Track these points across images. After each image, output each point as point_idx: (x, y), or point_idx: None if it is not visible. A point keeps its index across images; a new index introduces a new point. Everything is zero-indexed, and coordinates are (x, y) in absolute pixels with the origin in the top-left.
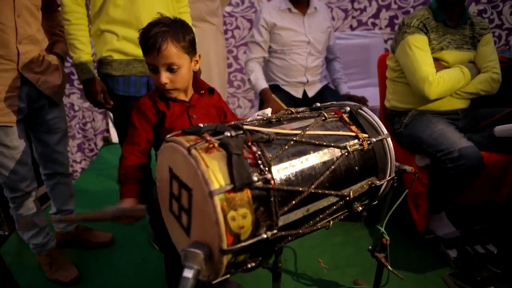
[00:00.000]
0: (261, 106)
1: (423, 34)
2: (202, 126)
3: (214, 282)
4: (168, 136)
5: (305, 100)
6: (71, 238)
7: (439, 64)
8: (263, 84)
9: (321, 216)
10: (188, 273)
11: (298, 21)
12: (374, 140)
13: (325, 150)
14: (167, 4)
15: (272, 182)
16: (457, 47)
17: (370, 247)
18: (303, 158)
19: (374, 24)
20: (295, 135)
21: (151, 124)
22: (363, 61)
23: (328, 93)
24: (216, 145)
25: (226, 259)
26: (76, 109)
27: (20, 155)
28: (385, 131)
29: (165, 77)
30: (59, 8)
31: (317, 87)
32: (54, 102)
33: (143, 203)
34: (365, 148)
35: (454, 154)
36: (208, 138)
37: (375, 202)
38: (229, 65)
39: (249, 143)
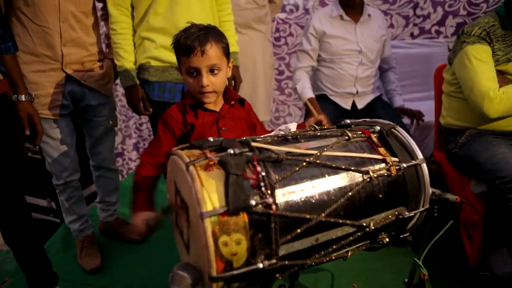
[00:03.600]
0: (307, 116)
1: (486, 44)
2: (209, 140)
3: None
4: (174, 148)
5: (354, 112)
6: (110, 228)
7: (504, 78)
8: (309, 94)
9: (334, 246)
10: None
11: (349, 29)
12: (405, 165)
13: (343, 175)
14: (207, 12)
15: (274, 207)
16: None
17: (406, 280)
18: (315, 182)
19: (438, 32)
20: (309, 155)
21: (176, 138)
22: (423, 71)
23: (379, 105)
24: (216, 162)
25: (216, 286)
26: None
27: (64, 147)
28: (421, 156)
29: (207, 79)
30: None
31: (368, 98)
32: (101, 99)
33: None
34: (393, 174)
35: None
36: (208, 154)
37: (407, 234)
38: (281, 72)
39: (254, 162)
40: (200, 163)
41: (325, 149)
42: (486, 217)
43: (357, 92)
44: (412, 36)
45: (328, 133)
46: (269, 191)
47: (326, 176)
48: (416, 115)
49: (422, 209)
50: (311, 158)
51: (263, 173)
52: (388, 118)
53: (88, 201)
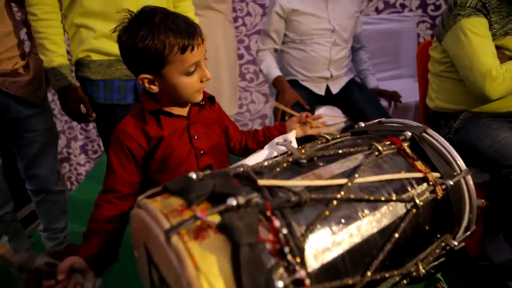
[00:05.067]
0: (277, 97)
1: (483, 16)
2: (191, 179)
3: None
4: (140, 198)
5: (328, 97)
6: (61, 259)
7: (502, 53)
8: (276, 72)
9: None
10: None
11: (320, 4)
12: (451, 182)
13: (384, 209)
14: None
15: (308, 282)
16: None
17: None
18: (352, 228)
19: (403, 6)
20: (339, 187)
21: (136, 161)
22: (392, 49)
23: (355, 89)
24: (214, 226)
25: None
26: None
27: None
28: (463, 165)
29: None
30: None
31: (342, 82)
32: (32, 109)
33: None
34: (439, 196)
35: None
36: (199, 214)
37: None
38: (241, 56)
39: (268, 213)
40: (187, 228)
41: (356, 175)
42: (487, 207)
43: (331, 76)
44: (377, 10)
45: (351, 149)
46: (297, 259)
47: (365, 215)
48: (394, 97)
49: (470, 232)
50: (342, 192)
51: (285, 230)
52: (367, 102)
53: (26, 224)
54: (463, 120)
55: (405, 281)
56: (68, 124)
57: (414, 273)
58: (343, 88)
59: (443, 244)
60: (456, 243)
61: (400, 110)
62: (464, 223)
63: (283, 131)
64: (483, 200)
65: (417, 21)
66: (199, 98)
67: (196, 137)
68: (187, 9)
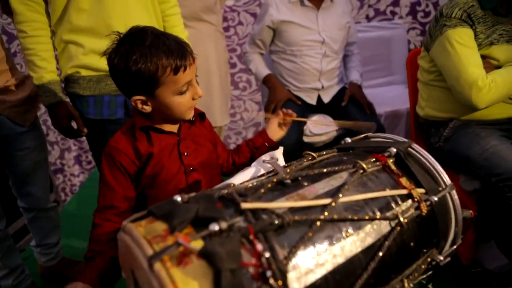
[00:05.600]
0: (269, 95)
1: (468, 27)
2: (176, 202)
3: None
4: (124, 222)
5: (320, 106)
6: (56, 272)
7: (488, 63)
8: (265, 71)
9: None
10: None
11: (310, 16)
12: (436, 198)
13: (368, 228)
14: (146, 5)
15: None
16: (510, 39)
17: None
18: (337, 248)
19: (393, 13)
20: (322, 208)
21: (130, 177)
22: (383, 56)
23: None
24: (196, 252)
25: None
26: None
27: None
28: (448, 180)
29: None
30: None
31: (333, 91)
32: (21, 126)
33: None
34: (424, 213)
35: None
36: (181, 241)
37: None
38: (233, 65)
39: (251, 237)
40: (170, 254)
41: (340, 194)
42: (478, 214)
43: (322, 87)
44: (368, 18)
45: (336, 167)
46: (280, 282)
47: (348, 235)
48: (370, 108)
49: (456, 246)
50: (326, 213)
51: (267, 254)
52: (358, 111)
53: (18, 238)
54: (452, 128)
55: None
56: (61, 135)
57: None
58: (334, 96)
59: (429, 259)
60: (442, 258)
61: (392, 117)
62: (450, 237)
63: (265, 137)
64: (471, 211)
65: (407, 28)
66: (191, 115)
67: (186, 154)
68: (176, 23)
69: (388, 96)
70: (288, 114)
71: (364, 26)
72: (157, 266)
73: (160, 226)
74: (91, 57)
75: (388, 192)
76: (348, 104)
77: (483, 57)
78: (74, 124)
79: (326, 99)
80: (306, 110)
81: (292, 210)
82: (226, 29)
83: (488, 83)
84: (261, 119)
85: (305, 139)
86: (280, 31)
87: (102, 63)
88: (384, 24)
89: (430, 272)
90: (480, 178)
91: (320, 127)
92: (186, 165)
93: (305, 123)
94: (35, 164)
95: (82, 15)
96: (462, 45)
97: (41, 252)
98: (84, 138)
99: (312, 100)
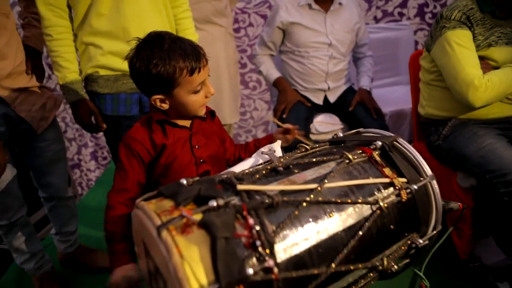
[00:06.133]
0: (279, 97)
1: (467, 29)
2: (182, 184)
3: None
4: (138, 200)
5: (326, 106)
6: (74, 259)
7: (486, 64)
8: (275, 74)
9: None
10: None
11: (318, 19)
12: (415, 187)
13: (350, 210)
14: (159, 9)
15: (276, 270)
16: (509, 42)
17: None
18: (319, 226)
19: (401, 14)
20: (309, 191)
21: (144, 165)
22: (390, 56)
23: (352, 97)
24: (196, 223)
25: None
26: None
27: (3, 184)
28: (429, 171)
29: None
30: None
31: (340, 91)
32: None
33: None
34: (404, 199)
35: (509, 177)
36: (185, 213)
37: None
38: (244, 65)
39: (244, 213)
40: (175, 225)
41: (326, 180)
42: (475, 210)
43: (328, 88)
44: (376, 19)
45: (325, 157)
46: (267, 250)
47: (331, 215)
48: (378, 112)
49: (435, 232)
50: (312, 196)
51: (257, 227)
52: (363, 110)
53: (39, 228)
54: (451, 127)
55: (371, 274)
56: (79, 132)
57: (380, 267)
58: (340, 96)
59: (409, 242)
60: (421, 241)
61: (396, 117)
62: (432, 223)
63: (271, 140)
64: (459, 204)
65: (415, 29)
66: (203, 111)
67: (197, 147)
68: (187, 26)
69: (393, 96)
70: (294, 131)
71: (371, 27)
72: (164, 233)
73: (168, 203)
74: (109, 58)
75: (371, 180)
76: (356, 106)
77: (482, 58)
78: (94, 120)
79: (332, 99)
80: (313, 109)
81: (282, 192)
82: (237, 30)
83: (485, 82)
84: (269, 119)
85: (312, 137)
86: (289, 32)
87: (119, 64)
88: (391, 26)
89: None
90: (476, 175)
91: (326, 126)
92: (197, 157)
93: (311, 122)
94: (55, 155)
95: (101, 20)
96: (461, 46)
97: (60, 239)
98: (100, 134)
99: (319, 100)
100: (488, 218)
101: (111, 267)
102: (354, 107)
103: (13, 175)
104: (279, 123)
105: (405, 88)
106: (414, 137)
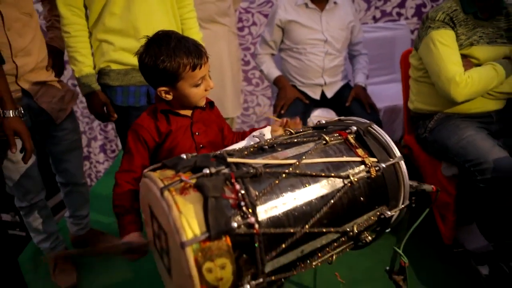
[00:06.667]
0: (278, 94)
1: (450, 29)
2: (182, 158)
3: None
4: (145, 170)
5: (323, 101)
6: (85, 241)
7: (468, 61)
8: (276, 72)
9: (320, 254)
10: None
11: (314, 17)
12: (384, 165)
13: (324, 182)
14: (167, 10)
15: (257, 226)
16: (490, 41)
17: (387, 268)
18: (296, 194)
19: (399, 14)
20: (288, 165)
21: (149, 149)
22: (387, 55)
23: (348, 93)
24: (192, 185)
25: None
26: None
27: (25, 169)
28: (398, 153)
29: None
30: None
31: (337, 86)
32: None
33: None
34: (373, 176)
35: (484, 166)
36: (183, 177)
37: (389, 230)
38: (247, 63)
39: (232, 180)
40: (175, 187)
41: (304, 157)
42: (458, 198)
43: (325, 83)
44: (374, 19)
45: (305, 139)
46: (250, 210)
47: (307, 185)
48: (373, 107)
49: (402, 206)
50: (290, 169)
51: (243, 191)
52: (359, 106)
53: (55, 212)
54: (436, 121)
55: (343, 239)
56: (89, 125)
57: (351, 233)
58: (337, 92)
59: (378, 213)
60: (389, 213)
61: (390, 112)
62: (401, 198)
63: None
64: (432, 186)
65: (412, 28)
66: (203, 102)
67: (197, 133)
68: (192, 25)
69: (388, 92)
70: (291, 123)
71: (370, 26)
72: (166, 193)
73: (170, 172)
74: (120, 53)
75: (345, 158)
76: (352, 102)
77: (464, 56)
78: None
79: (329, 94)
80: (311, 105)
81: (266, 166)
82: (241, 29)
83: (465, 79)
84: (271, 114)
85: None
86: (287, 30)
87: (129, 59)
88: (389, 25)
89: (377, 227)
90: (457, 164)
91: (323, 120)
92: (197, 143)
93: (308, 116)
94: (72, 144)
95: (114, 19)
96: (444, 44)
97: (73, 222)
98: (109, 128)
99: (316, 95)
100: (471, 206)
101: (121, 236)
102: (351, 104)
103: (33, 161)
104: (276, 119)
105: (400, 85)
106: (405, 130)
